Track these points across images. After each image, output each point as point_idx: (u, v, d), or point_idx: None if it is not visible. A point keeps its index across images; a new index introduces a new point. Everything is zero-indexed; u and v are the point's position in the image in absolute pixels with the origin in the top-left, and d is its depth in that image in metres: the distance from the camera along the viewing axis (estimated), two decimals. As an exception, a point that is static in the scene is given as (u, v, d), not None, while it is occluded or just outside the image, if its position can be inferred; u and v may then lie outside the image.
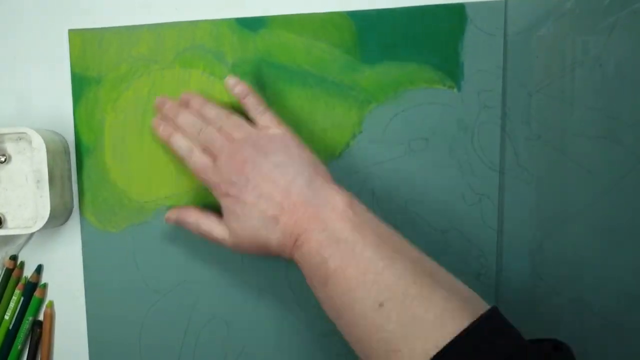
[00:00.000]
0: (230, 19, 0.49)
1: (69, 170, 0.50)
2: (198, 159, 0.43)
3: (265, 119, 0.44)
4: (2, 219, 0.47)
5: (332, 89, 0.48)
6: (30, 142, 0.46)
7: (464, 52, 0.47)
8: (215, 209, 0.48)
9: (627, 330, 0.47)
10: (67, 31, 0.50)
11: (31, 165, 0.47)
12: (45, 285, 0.49)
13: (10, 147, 0.48)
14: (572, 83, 0.47)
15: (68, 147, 0.50)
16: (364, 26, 0.48)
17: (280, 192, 0.40)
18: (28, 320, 0.48)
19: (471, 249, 0.48)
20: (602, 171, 0.47)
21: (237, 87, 0.44)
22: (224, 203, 0.42)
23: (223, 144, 0.42)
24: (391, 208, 0.48)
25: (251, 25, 0.49)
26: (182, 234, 0.49)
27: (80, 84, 0.49)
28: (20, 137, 0.48)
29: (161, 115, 0.47)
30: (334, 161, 0.48)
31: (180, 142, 0.44)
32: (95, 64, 0.49)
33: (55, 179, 0.47)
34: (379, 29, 0.48)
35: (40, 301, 0.49)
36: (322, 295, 0.39)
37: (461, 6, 0.47)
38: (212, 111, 0.44)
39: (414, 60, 0.48)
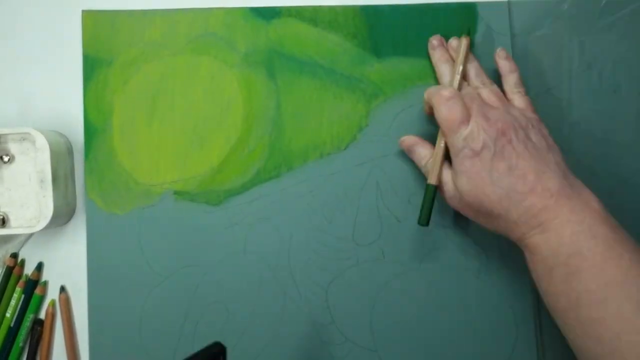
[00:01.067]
0: (243, 8, 0.49)
1: (72, 170, 0.50)
2: (457, 104, 0.42)
3: (524, 100, 0.44)
4: (5, 218, 0.48)
5: (341, 81, 0.49)
6: (33, 143, 0.46)
7: (473, 51, 0.48)
8: (219, 195, 0.49)
9: None
10: (69, 31, 0.50)
11: (34, 165, 0.47)
12: (45, 283, 0.49)
13: (13, 148, 0.48)
14: (577, 85, 0.48)
15: (71, 147, 0.50)
16: (376, 20, 0.48)
17: (533, 173, 0.39)
18: (29, 318, 0.48)
19: (472, 246, 0.49)
20: (605, 173, 0.47)
21: (505, 60, 0.46)
22: (466, 163, 0.41)
23: (481, 105, 0.42)
24: (394, 202, 0.49)
25: (264, 14, 0.49)
26: (187, 218, 0.49)
27: (91, 65, 0.49)
28: (24, 138, 0.48)
29: (438, 43, 0.48)
30: (340, 153, 0.49)
31: (447, 71, 0.46)
32: (106, 46, 0.49)
33: (59, 180, 0.47)
34: (391, 24, 0.48)
35: (41, 299, 0.49)
36: (560, 287, 0.37)
37: (473, 5, 0.48)
38: (474, 72, 0.45)
39: (424, 57, 0.48)
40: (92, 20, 0.49)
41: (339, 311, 0.49)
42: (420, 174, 0.49)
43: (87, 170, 0.49)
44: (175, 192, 0.49)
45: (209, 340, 0.48)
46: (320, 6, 0.49)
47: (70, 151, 0.50)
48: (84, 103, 0.49)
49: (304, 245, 0.49)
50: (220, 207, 0.49)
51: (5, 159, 0.48)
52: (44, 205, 0.45)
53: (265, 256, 0.49)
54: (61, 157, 0.48)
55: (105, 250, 0.49)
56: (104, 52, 0.49)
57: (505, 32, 0.48)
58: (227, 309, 0.49)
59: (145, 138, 0.49)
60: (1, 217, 0.47)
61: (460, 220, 0.49)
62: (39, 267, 0.49)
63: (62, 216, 0.48)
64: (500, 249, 0.49)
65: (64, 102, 0.50)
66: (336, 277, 0.49)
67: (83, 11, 0.50)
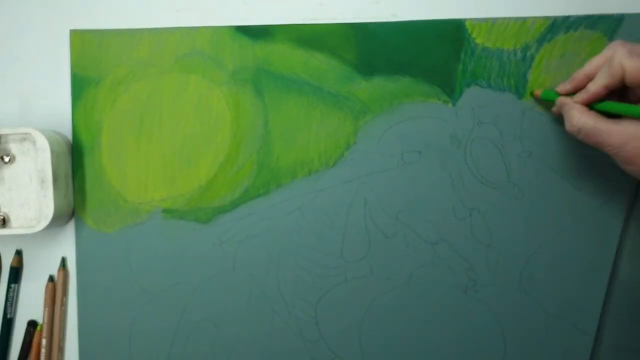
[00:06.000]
0: (230, 26, 0.49)
1: (73, 170, 0.50)
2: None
3: None
4: (6, 218, 0.48)
5: (328, 99, 0.49)
6: (34, 143, 0.46)
7: (460, 68, 0.48)
8: (208, 212, 0.49)
9: (612, 346, 0.48)
10: (69, 33, 0.50)
11: (35, 165, 0.48)
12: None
13: (14, 148, 0.48)
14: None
15: (72, 147, 0.50)
16: (362, 38, 0.49)
17: None
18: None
19: (460, 262, 0.49)
20: (591, 189, 0.48)
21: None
22: None
23: None
24: (382, 218, 0.49)
25: (251, 33, 0.49)
26: (176, 236, 0.49)
27: (80, 84, 0.50)
28: (24, 138, 0.48)
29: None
30: (328, 170, 0.49)
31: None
32: (94, 65, 0.50)
33: (59, 179, 0.47)
34: (377, 41, 0.48)
35: None
36: None
37: (461, 22, 0.48)
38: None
39: (411, 74, 0.49)
40: (80, 40, 0.50)
41: (327, 328, 0.49)
42: (408, 191, 0.49)
43: (77, 189, 0.49)
44: (164, 210, 0.49)
45: (198, 357, 0.49)
46: (306, 24, 0.49)
47: (70, 151, 0.50)
48: (73, 123, 0.49)
49: (292, 262, 0.49)
50: (208, 225, 0.49)
51: (6, 159, 0.48)
52: (45, 206, 0.46)
53: (254, 273, 0.49)
54: (61, 157, 0.48)
55: (94, 269, 0.49)
56: (92, 71, 0.50)
57: (492, 49, 0.48)
58: (215, 326, 0.49)
59: (133, 156, 0.49)
60: (2, 217, 0.48)
61: (448, 236, 0.49)
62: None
63: (62, 216, 0.48)
64: (488, 264, 0.49)
65: (64, 102, 0.50)
66: (325, 294, 0.49)
67: (71, 31, 0.50)
